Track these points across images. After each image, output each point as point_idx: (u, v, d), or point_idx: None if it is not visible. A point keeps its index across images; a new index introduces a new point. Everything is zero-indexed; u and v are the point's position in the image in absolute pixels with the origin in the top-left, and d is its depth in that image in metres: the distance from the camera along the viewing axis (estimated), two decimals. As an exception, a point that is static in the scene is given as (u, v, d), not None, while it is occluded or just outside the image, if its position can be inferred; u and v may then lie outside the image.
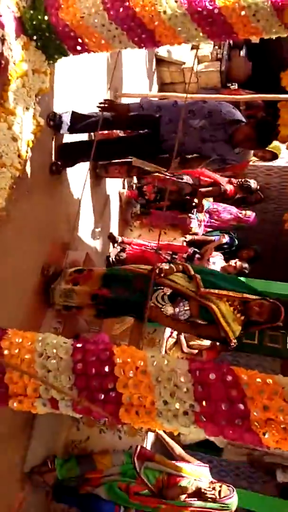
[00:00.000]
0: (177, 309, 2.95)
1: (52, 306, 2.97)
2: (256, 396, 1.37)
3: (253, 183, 4.71)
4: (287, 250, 6.52)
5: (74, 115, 2.98)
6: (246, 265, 4.51)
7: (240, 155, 2.84)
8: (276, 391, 1.36)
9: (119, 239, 4.44)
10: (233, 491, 3.24)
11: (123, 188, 4.65)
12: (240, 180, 4.65)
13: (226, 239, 4.73)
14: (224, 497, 3.19)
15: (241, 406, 1.38)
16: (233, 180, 4.61)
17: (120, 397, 1.56)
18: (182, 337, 4.20)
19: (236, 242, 5.00)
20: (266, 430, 1.34)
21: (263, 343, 6.80)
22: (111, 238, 4.40)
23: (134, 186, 4.66)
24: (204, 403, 1.45)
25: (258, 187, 4.83)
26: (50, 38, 2.53)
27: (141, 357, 1.61)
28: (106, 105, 2.71)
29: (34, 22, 2.49)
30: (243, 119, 2.71)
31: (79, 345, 1.70)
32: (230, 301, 2.62)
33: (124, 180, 4.63)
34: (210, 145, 2.76)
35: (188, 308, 2.64)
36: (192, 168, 3.13)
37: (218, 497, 3.18)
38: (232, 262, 4.54)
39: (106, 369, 1.61)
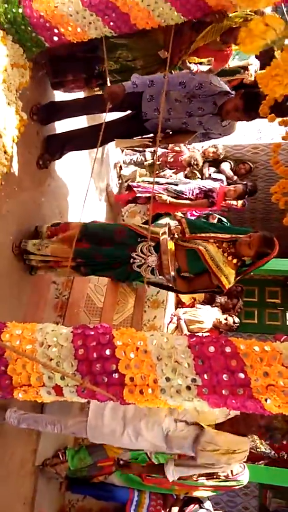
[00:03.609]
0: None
1: (28, 267, 2.80)
2: (256, 364, 1.39)
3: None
4: (279, 227, 6.55)
5: (54, 104, 2.97)
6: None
7: (227, 128, 2.83)
8: (275, 356, 1.38)
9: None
10: (244, 467, 3.29)
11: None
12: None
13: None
14: (236, 474, 3.24)
15: (242, 375, 1.40)
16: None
17: (123, 378, 1.58)
18: (182, 321, 4.24)
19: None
20: (268, 396, 1.37)
21: (263, 321, 6.88)
22: None
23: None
24: (205, 376, 1.47)
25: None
26: (26, 31, 2.52)
27: (140, 337, 1.63)
28: (107, 94, 2.61)
29: (8, 16, 2.48)
30: (231, 91, 2.71)
31: (78, 331, 1.71)
32: (218, 243, 2.54)
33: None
34: (197, 119, 2.74)
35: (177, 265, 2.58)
36: (177, 143, 3.10)
37: (230, 475, 3.23)
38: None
39: (107, 352, 1.62)
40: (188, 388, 1.51)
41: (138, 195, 4.33)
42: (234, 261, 2.55)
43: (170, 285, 2.64)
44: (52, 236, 2.77)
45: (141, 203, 4.45)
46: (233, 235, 2.58)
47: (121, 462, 2.93)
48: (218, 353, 1.47)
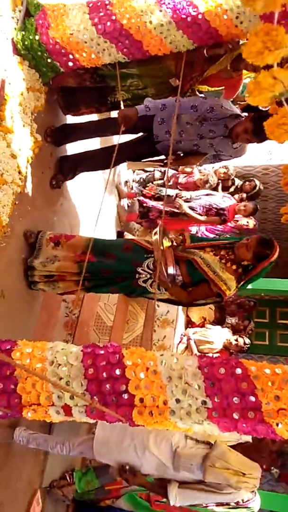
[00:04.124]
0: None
1: (30, 282, 2.76)
2: (266, 387, 1.38)
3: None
4: (289, 248, 6.56)
5: (68, 126, 3.05)
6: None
7: (237, 150, 2.87)
8: (286, 379, 1.36)
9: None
10: (256, 494, 3.20)
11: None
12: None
13: None
14: (247, 501, 3.15)
15: (252, 398, 1.38)
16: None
17: (133, 399, 1.57)
18: (192, 342, 4.21)
19: None
20: (279, 421, 1.35)
21: (274, 343, 6.78)
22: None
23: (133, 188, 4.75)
24: (216, 398, 1.45)
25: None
26: (42, 57, 2.61)
27: (150, 357, 1.62)
28: (121, 117, 2.68)
29: (25, 43, 2.57)
30: (242, 114, 2.75)
31: (88, 350, 1.71)
32: (215, 251, 2.57)
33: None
34: (208, 141, 2.78)
35: (179, 273, 2.57)
36: (189, 164, 3.13)
37: (241, 502, 3.14)
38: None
39: (117, 372, 1.62)
40: (198, 410, 1.49)
41: (149, 203, 4.38)
42: (234, 267, 2.55)
43: (171, 294, 2.63)
44: (54, 240, 2.75)
45: (153, 218, 4.47)
46: (229, 241, 2.62)
47: (127, 468, 2.81)
48: (228, 375, 1.46)
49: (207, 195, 4.43)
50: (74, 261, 2.66)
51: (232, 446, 2.53)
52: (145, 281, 2.61)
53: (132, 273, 2.61)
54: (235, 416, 1.42)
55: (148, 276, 2.60)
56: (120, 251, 2.69)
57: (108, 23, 2.39)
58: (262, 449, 2.48)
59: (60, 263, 2.68)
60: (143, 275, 2.60)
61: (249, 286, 4.88)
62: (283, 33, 1.18)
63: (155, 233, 2.54)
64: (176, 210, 4.27)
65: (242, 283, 2.57)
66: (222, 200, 4.48)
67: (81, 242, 2.73)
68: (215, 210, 4.36)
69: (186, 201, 4.39)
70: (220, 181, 4.89)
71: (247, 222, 4.66)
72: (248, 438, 2.52)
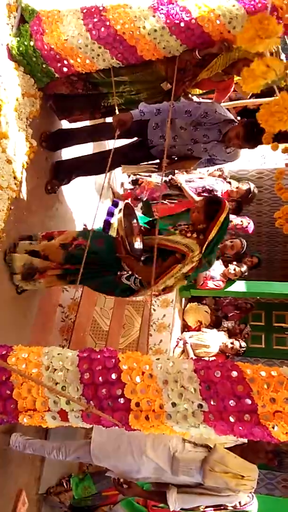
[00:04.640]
0: None
1: (12, 275, 2.63)
2: (262, 390, 1.38)
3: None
4: (284, 251, 6.59)
5: (63, 131, 3.06)
6: (244, 268, 4.57)
7: (231, 155, 2.90)
8: (282, 382, 1.37)
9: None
10: (253, 497, 3.19)
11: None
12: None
13: None
14: (245, 504, 3.14)
15: (248, 401, 1.39)
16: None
17: (129, 403, 1.57)
18: (188, 345, 4.21)
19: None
20: (275, 423, 1.35)
21: (270, 346, 6.80)
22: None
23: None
24: (212, 401, 1.46)
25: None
26: (37, 62, 2.63)
27: (146, 361, 1.62)
28: (116, 122, 2.67)
29: (20, 48, 2.59)
30: (235, 119, 2.78)
31: (84, 354, 1.71)
32: (175, 227, 2.64)
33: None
34: (202, 145, 2.81)
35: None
36: (183, 168, 3.16)
37: (238, 505, 3.13)
38: (232, 268, 4.60)
39: (113, 376, 1.62)
40: (195, 413, 1.49)
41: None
42: (194, 235, 2.54)
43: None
44: (47, 237, 2.72)
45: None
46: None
47: (121, 481, 2.79)
48: (224, 378, 1.46)
49: (200, 178, 4.43)
50: (59, 244, 2.58)
51: (229, 448, 2.53)
52: (128, 278, 2.58)
53: (117, 268, 2.57)
54: (231, 419, 1.42)
55: (131, 272, 2.57)
56: (110, 242, 2.66)
57: (102, 29, 2.41)
58: (258, 450, 2.49)
59: (47, 242, 2.62)
60: (125, 272, 2.57)
61: (244, 290, 4.91)
62: (275, 22, 1.22)
63: (120, 210, 2.56)
64: (168, 192, 4.22)
65: (205, 246, 2.52)
66: (215, 182, 4.47)
67: (74, 233, 2.69)
68: (208, 191, 4.33)
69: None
70: None
71: (241, 221, 4.68)
72: (244, 439, 2.53)
